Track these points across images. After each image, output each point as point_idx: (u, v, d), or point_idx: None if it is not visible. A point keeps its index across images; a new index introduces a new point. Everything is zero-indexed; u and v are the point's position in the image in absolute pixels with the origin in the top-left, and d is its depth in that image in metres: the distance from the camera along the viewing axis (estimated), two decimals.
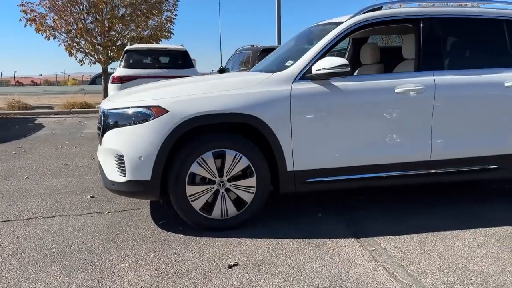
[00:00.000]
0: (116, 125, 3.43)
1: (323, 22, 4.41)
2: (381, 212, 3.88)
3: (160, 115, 3.28)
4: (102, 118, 3.59)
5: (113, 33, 14.38)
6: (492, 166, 3.87)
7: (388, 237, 3.32)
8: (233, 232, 3.40)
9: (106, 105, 3.64)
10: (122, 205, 4.18)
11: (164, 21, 15.06)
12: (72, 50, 14.76)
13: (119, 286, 2.60)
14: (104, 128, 3.53)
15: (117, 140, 3.40)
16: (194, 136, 3.39)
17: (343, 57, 5.47)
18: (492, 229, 3.46)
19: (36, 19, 14.10)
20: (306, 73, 3.55)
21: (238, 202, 3.46)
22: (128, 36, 14.56)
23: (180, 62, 9.58)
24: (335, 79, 3.57)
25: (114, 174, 3.44)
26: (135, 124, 3.33)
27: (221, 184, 3.41)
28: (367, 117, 3.61)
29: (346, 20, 3.77)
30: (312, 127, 3.51)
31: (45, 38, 14.38)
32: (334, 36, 3.67)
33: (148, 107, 3.33)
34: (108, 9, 13.73)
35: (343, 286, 2.57)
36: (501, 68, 3.90)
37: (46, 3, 14.05)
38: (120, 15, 13.92)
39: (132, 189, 3.38)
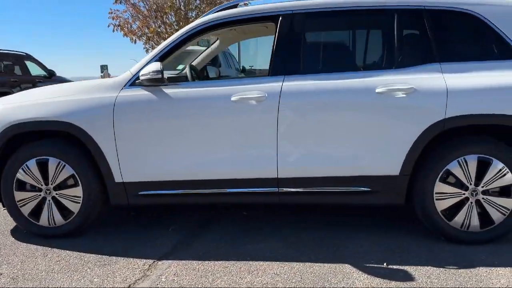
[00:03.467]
0: None
1: None
2: (234, 232, 3.48)
3: None
4: None
5: None
6: (362, 189, 3.20)
7: (192, 262, 2.98)
8: (55, 240, 3.37)
9: None
10: None
11: None
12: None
13: None
14: None
15: None
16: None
17: None
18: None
19: (121, 24, 15.44)
20: (138, 79, 3.35)
21: (65, 211, 3.41)
22: None
23: None
24: (170, 85, 3.32)
25: None
26: None
27: (48, 192, 3.40)
28: (200, 128, 3.26)
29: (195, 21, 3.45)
30: (139, 137, 3.29)
31: (131, 41, 15.71)
32: (174, 39, 3.39)
33: None
34: (173, 12, 14.42)
35: None
36: (376, 71, 3.20)
37: (130, 8, 15.30)
38: (185, 19, 14.51)
39: None
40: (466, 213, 3.12)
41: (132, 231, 3.57)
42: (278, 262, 2.94)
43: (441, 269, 2.80)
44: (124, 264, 2.98)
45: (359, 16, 3.33)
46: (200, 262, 2.97)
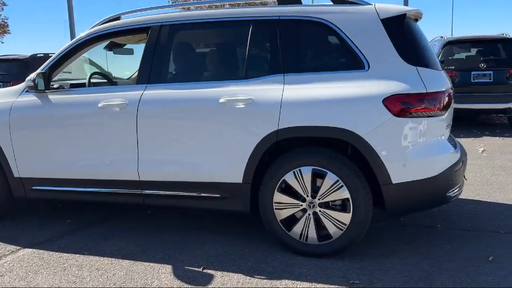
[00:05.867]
0: None
1: None
2: (112, 231, 3.77)
3: None
4: None
5: None
6: (213, 195, 3.32)
7: (45, 252, 3.33)
8: None
9: None
10: None
11: None
12: None
13: None
14: None
15: None
16: None
17: None
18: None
19: None
20: None
21: None
22: None
23: None
24: (58, 91, 3.71)
25: None
26: None
27: None
28: (74, 131, 3.60)
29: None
30: (27, 138, 3.73)
31: None
32: (61, 51, 3.76)
33: None
34: None
35: None
36: (226, 81, 3.28)
37: None
38: None
39: None
40: (304, 225, 3.10)
41: (36, 222, 4.01)
42: (112, 259, 3.18)
43: (248, 278, 2.85)
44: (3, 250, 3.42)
45: (219, 28, 3.45)
46: (51, 253, 3.32)
